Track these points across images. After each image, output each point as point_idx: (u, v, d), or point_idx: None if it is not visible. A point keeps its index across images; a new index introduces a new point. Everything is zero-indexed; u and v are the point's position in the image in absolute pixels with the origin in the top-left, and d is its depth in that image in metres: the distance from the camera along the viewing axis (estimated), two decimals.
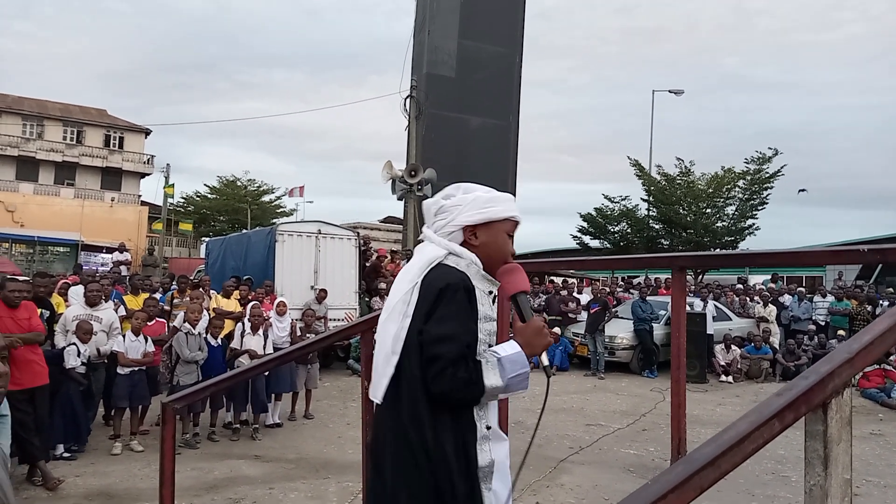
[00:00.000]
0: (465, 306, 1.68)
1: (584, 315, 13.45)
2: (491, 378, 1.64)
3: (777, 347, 13.11)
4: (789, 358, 12.50)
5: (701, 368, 11.84)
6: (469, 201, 1.85)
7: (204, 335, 7.27)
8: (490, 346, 1.75)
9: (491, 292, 1.82)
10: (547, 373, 1.78)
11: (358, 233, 13.25)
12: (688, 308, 12.57)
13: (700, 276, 22.50)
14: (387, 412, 1.79)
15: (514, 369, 1.67)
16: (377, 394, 1.82)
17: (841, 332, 13.03)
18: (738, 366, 12.37)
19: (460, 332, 1.65)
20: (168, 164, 32.72)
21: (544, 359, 1.77)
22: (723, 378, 12.17)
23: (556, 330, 12.99)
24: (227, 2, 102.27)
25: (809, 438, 1.28)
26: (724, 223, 24.74)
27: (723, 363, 12.36)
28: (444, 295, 1.68)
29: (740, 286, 16.56)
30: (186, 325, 7.09)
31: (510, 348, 1.70)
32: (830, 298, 14.71)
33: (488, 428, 1.73)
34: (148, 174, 40.99)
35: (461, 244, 1.83)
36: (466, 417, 1.69)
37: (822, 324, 14.19)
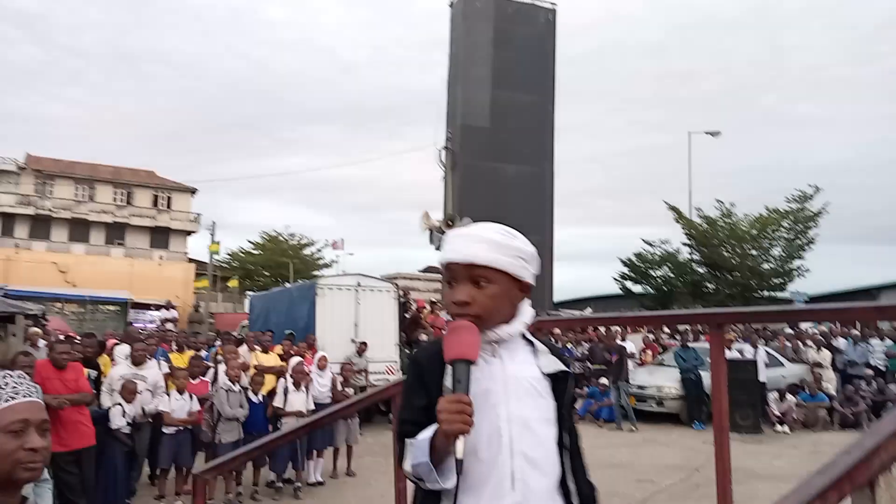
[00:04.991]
0: (411, 382, 1.58)
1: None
2: (406, 462, 1.45)
3: (834, 394, 12.56)
4: (847, 405, 11.95)
5: (755, 418, 11.37)
6: None
7: (246, 391, 7.32)
8: None
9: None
10: (457, 468, 1.34)
11: (396, 284, 13.32)
12: (737, 354, 12.29)
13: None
14: None
15: (417, 457, 1.41)
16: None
17: None
18: (794, 415, 11.87)
19: (402, 411, 1.58)
20: (214, 222, 33.65)
21: (458, 448, 1.33)
22: (778, 428, 11.67)
23: (603, 380, 12.68)
24: (266, 62, 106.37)
25: None
26: (770, 265, 24.14)
27: (777, 412, 11.88)
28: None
29: (791, 330, 16.02)
30: (227, 381, 7.16)
31: (429, 431, 1.41)
32: (888, 342, 14.08)
33: None
34: (194, 232, 42.22)
35: None
36: (431, 494, 1.46)
37: (883, 368, 13.58)
